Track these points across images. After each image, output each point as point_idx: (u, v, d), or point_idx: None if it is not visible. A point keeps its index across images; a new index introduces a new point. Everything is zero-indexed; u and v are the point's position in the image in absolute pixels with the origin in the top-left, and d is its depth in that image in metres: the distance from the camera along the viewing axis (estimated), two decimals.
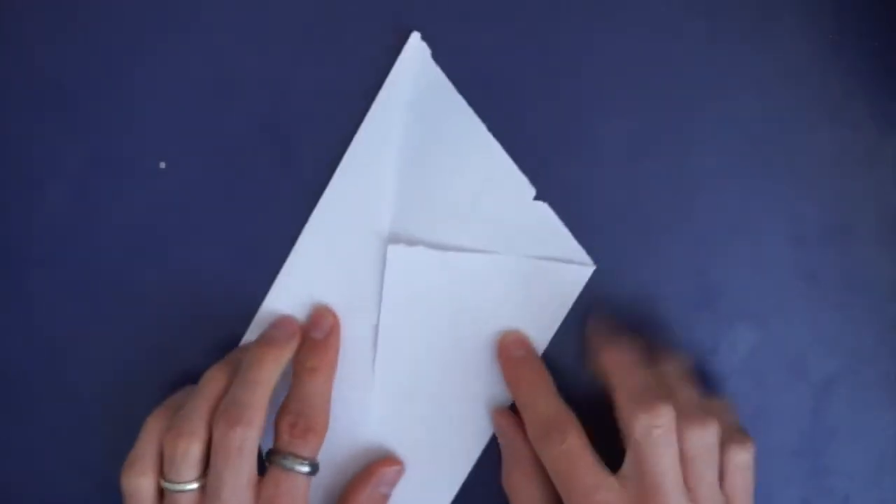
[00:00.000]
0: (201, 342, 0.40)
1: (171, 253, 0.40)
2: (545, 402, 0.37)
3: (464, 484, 0.40)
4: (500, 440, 0.39)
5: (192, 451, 0.36)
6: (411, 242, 0.39)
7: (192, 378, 0.39)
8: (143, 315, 0.41)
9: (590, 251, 0.39)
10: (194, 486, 0.36)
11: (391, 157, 0.39)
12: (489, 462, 0.40)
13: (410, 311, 0.39)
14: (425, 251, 0.39)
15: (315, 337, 0.39)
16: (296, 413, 0.37)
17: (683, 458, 0.34)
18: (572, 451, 0.35)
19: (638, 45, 0.38)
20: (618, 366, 0.36)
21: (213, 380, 0.38)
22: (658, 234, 0.39)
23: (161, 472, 0.36)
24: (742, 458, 0.35)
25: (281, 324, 0.39)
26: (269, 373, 0.37)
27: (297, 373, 0.39)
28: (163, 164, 0.40)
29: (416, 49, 0.38)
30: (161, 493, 0.37)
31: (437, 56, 0.39)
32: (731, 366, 0.40)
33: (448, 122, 0.39)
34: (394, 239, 0.39)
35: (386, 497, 0.40)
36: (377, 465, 0.40)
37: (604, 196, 0.39)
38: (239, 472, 0.36)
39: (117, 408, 0.41)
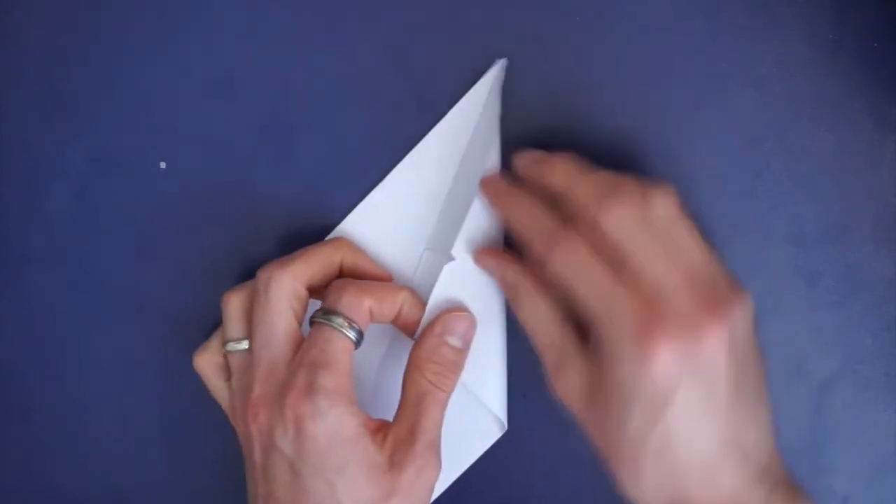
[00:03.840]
0: (201, 342, 0.40)
1: (171, 253, 0.40)
2: (545, 219, 0.35)
3: (464, 484, 0.40)
4: (495, 278, 0.37)
5: (233, 305, 0.36)
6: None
7: (190, 377, 0.39)
8: (143, 315, 0.41)
9: None
10: (244, 344, 0.36)
11: (450, 170, 0.39)
12: (489, 462, 0.40)
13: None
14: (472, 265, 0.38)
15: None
16: (348, 281, 0.36)
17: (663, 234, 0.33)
18: (582, 251, 0.33)
19: (638, 45, 0.38)
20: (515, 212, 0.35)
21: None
22: None
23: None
24: (668, 208, 0.34)
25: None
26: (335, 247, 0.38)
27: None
28: (163, 164, 0.40)
29: (500, 72, 0.38)
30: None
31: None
32: None
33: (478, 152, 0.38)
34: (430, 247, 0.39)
35: (459, 351, 0.37)
36: (441, 314, 0.37)
37: None
38: (267, 317, 0.35)
39: (117, 408, 0.41)
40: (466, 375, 0.38)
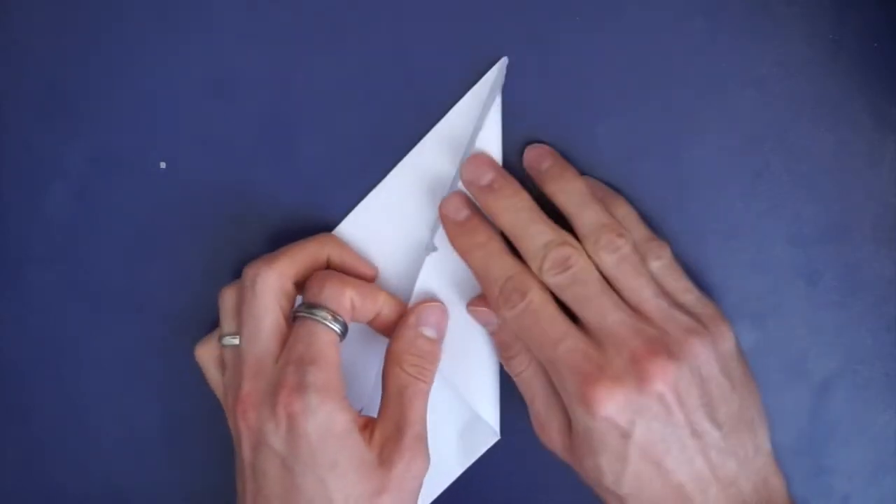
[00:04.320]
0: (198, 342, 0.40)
1: (171, 253, 0.40)
2: (500, 265, 0.36)
3: (456, 493, 0.40)
4: (487, 330, 0.38)
5: (228, 300, 0.37)
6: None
7: (190, 377, 0.39)
8: (143, 315, 0.41)
9: None
10: (237, 339, 0.36)
11: (450, 170, 0.39)
12: (487, 463, 0.40)
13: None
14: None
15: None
16: (329, 273, 0.37)
17: (611, 279, 0.35)
18: (533, 306, 0.34)
19: (638, 45, 0.38)
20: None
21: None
22: (658, 233, 0.39)
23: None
24: (659, 262, 0.36)
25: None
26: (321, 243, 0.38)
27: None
28: (163, 164, 0.40)
29: (500, 71, 0.38)
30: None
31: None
32: None
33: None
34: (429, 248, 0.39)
35: (432, 341, 0.37)
36: (414, 305, 0.38)
37: None
38: (254, 313, 0.35)
39: (117, 408, 0.41)
40: (459, 381, 0.38)
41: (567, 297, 0.35)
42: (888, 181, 0.38)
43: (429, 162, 0.39)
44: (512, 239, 0.36)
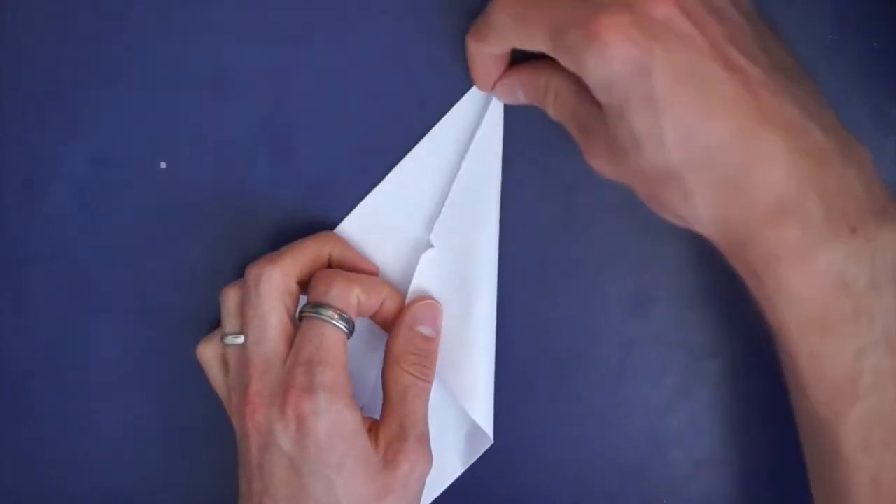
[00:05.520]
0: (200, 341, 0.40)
1: (171, 253, 0.40)
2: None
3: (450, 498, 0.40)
4: (524, 93, 0.36)
5: (230, 300, 0.36)
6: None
7: (191, 377, 0.39)
8: (143, 315, 0.41)
9: (588, 249, 0.39)
10: (240, 339, 0.36)
11: (450, 170, 0.39)
12: (474, 476, 0.40)
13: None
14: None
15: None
16: (335, 272, 0.37)
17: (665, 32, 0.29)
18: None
19: None
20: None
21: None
22: (658, 233, 0.39)
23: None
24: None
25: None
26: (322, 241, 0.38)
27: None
28: (163, 164, 0.40)
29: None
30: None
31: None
32: (732, 366, 0.39)
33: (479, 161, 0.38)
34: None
35: (430, 339, 0.37)
36: (409, 304, 0.38)
37: (603, 196, 0.39)
38: (259, 314, 0.35)
39: (117, 408, 0.41)
40: (452, 385, 0.38)
41: None
42: (888, 181, 0.38)
43: (429, 162, 0.39)
44: None
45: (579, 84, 0.32)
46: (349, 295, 0.36)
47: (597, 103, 0.32)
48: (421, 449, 0.36)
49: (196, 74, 0.40)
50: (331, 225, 0.40)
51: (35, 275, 0.41)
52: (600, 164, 0.33)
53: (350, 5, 0.39)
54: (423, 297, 0.38)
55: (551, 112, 0.36)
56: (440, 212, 0.38)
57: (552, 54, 0.32)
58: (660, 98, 0.29)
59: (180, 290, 0.41)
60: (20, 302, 0.41)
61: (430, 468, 0.36)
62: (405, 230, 0.39)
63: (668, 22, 0.29)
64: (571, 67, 0.31)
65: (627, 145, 0.30)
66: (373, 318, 0.38)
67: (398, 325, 0.37)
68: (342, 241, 0.39)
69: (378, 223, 0.39)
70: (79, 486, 0.42)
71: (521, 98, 0.37)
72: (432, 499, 0.40)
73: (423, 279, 0.38)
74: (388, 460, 0.35)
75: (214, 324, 0.39)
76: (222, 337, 0.37)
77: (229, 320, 0.37)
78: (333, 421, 0.34)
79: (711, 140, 0.29)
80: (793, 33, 0.38)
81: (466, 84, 0.39)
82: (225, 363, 0.37)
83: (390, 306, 0.38)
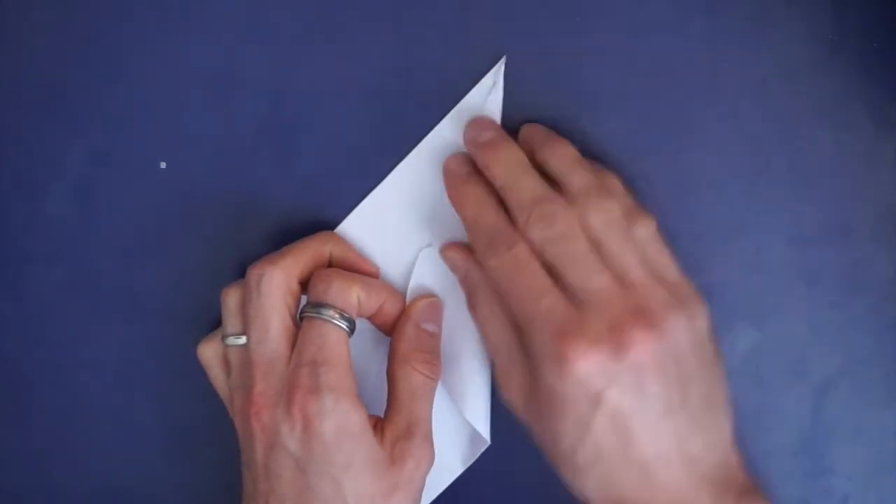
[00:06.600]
0: (200, 341, 0.40)
1: (171, 253, 0.40)
2: (492, 216, 0.35)
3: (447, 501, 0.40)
4: (457, 276, 0.38)
5: (231, 300, 0.36)
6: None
7: (191, 377, 0.39)
8: (143, 315, 0.41)
9: None
10: (242, 339, 0.36)
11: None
12: (483, 467, 0.40)
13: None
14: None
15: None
16: (334, 271, 0.37)
17: (596, 242, 0.34)
18: (518, 258, 0.34)
19: (637, 45, 0.38)
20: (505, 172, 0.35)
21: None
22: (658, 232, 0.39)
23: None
24: (645, 232, 0.35)
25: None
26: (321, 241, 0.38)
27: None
28: (163, 164, 0.40)
29: (500, 70, 0.38)
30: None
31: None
32: (731, 366, 0.39)
33: None
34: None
35: (433, 336, 0.38)
36: (411, 303, 0.38)
37: None
38: (262, 314, 0.35)
39: (117, 408, 0.41)
40: (449, 387, 0.38)
41: (551, 255, 0.34)
42: (888, 181, 0.38)
43: (429, 162, 0.39)
44: (502, 193, 0.36)
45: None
46: (349, 294, 0.36)
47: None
48: (426, 447, 0.36)
49: (196, 74, 0.40)
50: (331, 225, 0.40)
51: (35, 275, 0.41)
52: (510, 399, 0.35)
53: (350, 5, 0.39)
54: (425, 294, 0.38)
55: (477, 319, 0.37)
56: (440, 212, 0.38)
57: (520, 326, 0.34)
58: (595, 426, 0.32)
59: (180, 290, 0.41)
60: (20, 302, 0.41)
61: (432, 465, 0.36)
62: (405, 230, 0.39)
63: (636, 368, 0.32)
64: (529, 353, 0.34)
65: (546, 428, 0.34)
66: (372, 320, 0.38)
67: (403, 323, 0.37)
68: (342, 241, 0.39)
69: (378, 223, 0.39)
70: (79, 486, 0.42)
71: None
72: (432, 499, 0.40)
73: (422, 277, 0.38)
74: (395, 458, 0.35)
75: (214, 323, 0.39)
76: (223, 337, 0.37)
77: (230, 321, 0.37)
78: (340, 421, 0.34)
79: (620, 464, 0.33)
80: (793, 33, 0.38)
81: (466, 84, 0.39)
82: (226, 363, 0.37)
83: (390, 308, 0.38)
